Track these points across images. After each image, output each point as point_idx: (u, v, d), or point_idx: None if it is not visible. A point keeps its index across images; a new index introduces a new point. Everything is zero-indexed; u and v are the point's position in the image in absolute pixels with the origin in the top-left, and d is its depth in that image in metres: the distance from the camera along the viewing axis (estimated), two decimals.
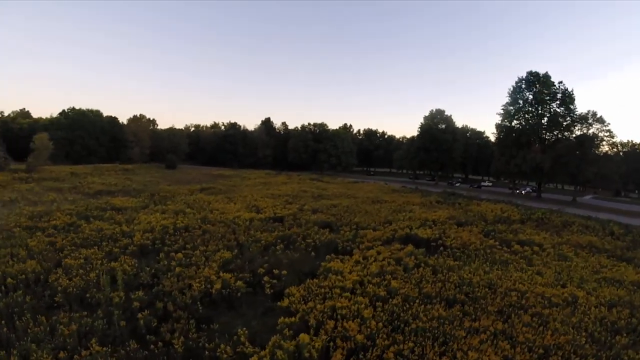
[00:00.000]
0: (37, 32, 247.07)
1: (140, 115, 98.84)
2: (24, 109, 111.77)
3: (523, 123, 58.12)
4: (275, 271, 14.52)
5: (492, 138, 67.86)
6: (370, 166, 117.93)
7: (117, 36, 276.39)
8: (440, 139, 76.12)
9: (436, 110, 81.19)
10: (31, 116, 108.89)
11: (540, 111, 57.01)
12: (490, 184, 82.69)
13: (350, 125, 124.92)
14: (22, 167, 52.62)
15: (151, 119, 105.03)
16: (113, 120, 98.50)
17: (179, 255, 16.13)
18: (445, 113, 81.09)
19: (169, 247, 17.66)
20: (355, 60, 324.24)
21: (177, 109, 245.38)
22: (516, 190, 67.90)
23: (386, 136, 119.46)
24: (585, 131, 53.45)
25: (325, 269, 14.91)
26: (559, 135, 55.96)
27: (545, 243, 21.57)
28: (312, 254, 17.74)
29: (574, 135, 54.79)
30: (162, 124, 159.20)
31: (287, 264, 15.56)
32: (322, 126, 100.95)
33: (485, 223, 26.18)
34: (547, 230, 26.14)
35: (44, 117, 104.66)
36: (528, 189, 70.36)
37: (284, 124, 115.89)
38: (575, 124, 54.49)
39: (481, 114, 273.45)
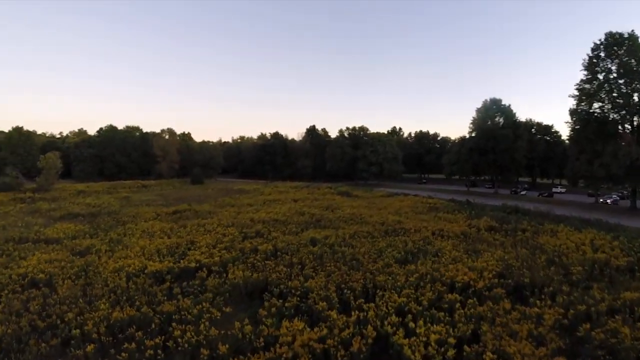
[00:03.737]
0: (75, 48, 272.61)
1: (168, 129, 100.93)
2: (82, 129, 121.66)
3: (608, 106, 43.34)
4: None
5: (566, 131, 54.69)
6: (423, 173, 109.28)
7: (162, 52, 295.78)
8: (497, 136, 62.64)
9: (490, 100, 66.79)
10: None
11: (631, 86, 41.79)
12: (563, 189, 67.54)
13: (400, 129, 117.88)
14: (33, 187, 52.82)
15: (185, 132, 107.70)
16: (144, 136, 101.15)
17: None
18: (503, 103, 66.41)
19: None
20: (404, 54, 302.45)
21: (225, 121, 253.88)
22: (600, 199, 52.03)
23: (439, 138, 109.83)
24: None
25: None
26: None
27: None
28: None
29: None
30: (209, 138, 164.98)
31: None
32: (361, 130, 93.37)
33: (570, 286, 14.13)
34: None
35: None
36: (615, 196, 53.53)
37: (324, 130, 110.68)
38: None
39: (549, 103, 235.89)
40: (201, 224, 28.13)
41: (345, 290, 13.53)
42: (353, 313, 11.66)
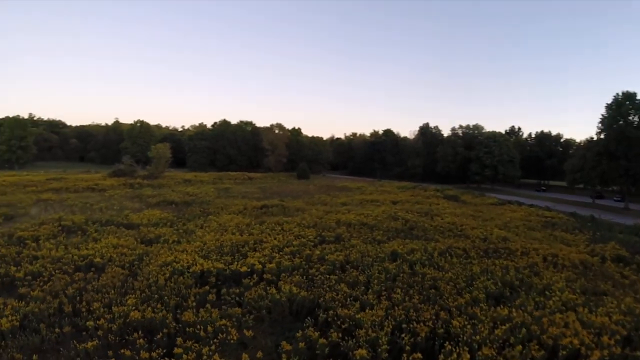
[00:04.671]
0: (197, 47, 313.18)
1: (277, 124, 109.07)
2: (202, 123, 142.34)
3: None
4: None
5: None
6: (542, 179, 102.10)
7: (282, 52, 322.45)
8: (631, 138, 54.88)
9: (623, 94, 56.94)
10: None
11: None
12: None
13: (519, 128, 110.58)
14: (145, 174, 62.27)
15: (296, 127, 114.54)
16: (255, 130, 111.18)
17: None
18: (639, 97, 56.06)
19: None
20: (525, 44, 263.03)
21: (338, 118, 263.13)
22: None
23: (562, 140, 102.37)
24: None
25: None
26: None
27: None
28: None
29: None
30: (321, 134, 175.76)
31: None
32: (475, 129, 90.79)
33: None
34: None
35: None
36: None
37: (436, 128, 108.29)
38: None
39: None
40: (281, 222, 27.53)
41: (403, 335, 10.26)
42: None
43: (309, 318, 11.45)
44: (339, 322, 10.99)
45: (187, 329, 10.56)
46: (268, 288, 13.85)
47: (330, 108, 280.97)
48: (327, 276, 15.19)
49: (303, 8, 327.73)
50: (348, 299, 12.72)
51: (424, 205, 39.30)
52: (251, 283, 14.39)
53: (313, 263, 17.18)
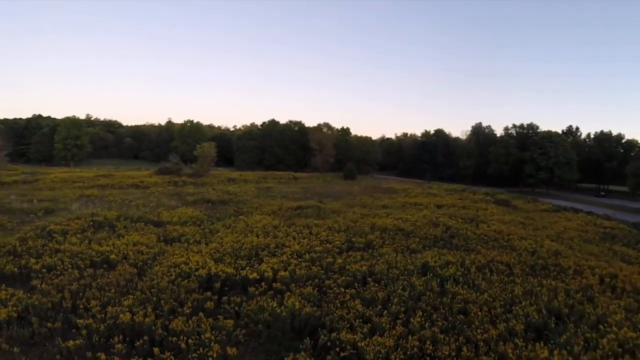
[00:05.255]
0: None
1: (325, 123, 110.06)
2: (254, 122, 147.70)
3: None
4: None
5: None
6: (602, 183, 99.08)
7: (332, 54, 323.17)
8: None
9: None
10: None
11: None
12: None
13: (577, 128, 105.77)
14: (190, 172, 64.91)
15: (344, 127, 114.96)
16: (303, 129, 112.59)
17: None
18: None
19: None
20: (585, 37, 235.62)
21: (389, 118, 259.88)
22: None
23: (623, 141, 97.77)
24: None
25: None
26: None
27: None
28: None
29: None
30: (371, 134, 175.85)
31: None
32: (530, 128, 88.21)
33: None
34: None
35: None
36: None
37: (488, 127, 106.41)
38: None
39: None
40: (311, 224, 26.85)
41: None
42: None
43: (307, 339, 10.47)
44: (338, 349, 9.95)
45: (171, 338, 10.20)
46: (275, 299, 13.15)
47: (381, 107, 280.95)
48: (343, 290, 14.13)
49: (351, 7, 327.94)
50: (359, 320, 11.63)
51: (471, 210, 37.57)
52: (257, 292, 13.75)
53: (332, 273, 16.28)
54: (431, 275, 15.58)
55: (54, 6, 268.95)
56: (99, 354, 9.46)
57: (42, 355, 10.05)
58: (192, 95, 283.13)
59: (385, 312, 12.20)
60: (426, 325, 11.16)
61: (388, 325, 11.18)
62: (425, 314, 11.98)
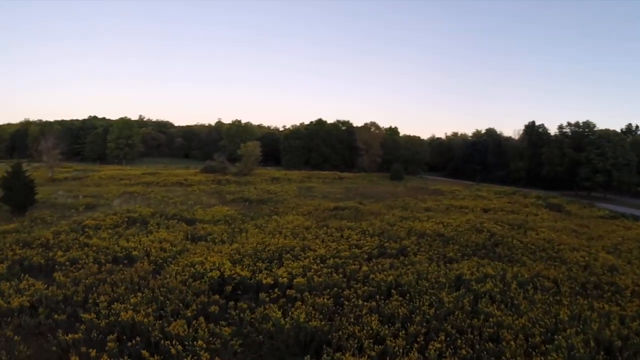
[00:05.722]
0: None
1: (372, 122, 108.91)
2: (303, 122, 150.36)
3: None
4: None
5: None
6: None
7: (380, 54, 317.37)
8: None
9: None
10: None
11: None
12: None
13: (637, 127, 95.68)
14: (235, 171, 66.84)
15: (392, 126, 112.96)
16: (350, 129, 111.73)
17: None
18: None
19: None
20: None
21: (439, 117, 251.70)
22: None
23: None
24: None
25: None
26: None
27: None
28: None
29: None
30: (420, 133, 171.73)
31: None
32: (586, 126, 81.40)
33: None
34: None
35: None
36: None
37: (542, 126, 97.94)
38: None
39: None
40: (344, 227, 26.13)
41: None
42: None
43: (307, 357, 9.67)
44: None
45: (164, 342, 10.06)
46: (286, 307, 12.58)
47: (431, 106, 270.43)
48: (362, 302, 13.18)
49: (399, 6, 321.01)
50: (370, 340, 10.64)
51: (520, 215, 35.71)
52: (268, 299, 13.21)
53: (354, 282, 15.40)
54: (464, 290, 14.20)
55: (112, 12, 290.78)
56: (91, 350, 9.61)
57: (41, 346, 10.47)
58: (243, 96, 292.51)
59: (403, 332, 11.14)
60: (447, 354, 9.96)
61: (402, 350, 10.12)
62: (448, 339, 10.78)
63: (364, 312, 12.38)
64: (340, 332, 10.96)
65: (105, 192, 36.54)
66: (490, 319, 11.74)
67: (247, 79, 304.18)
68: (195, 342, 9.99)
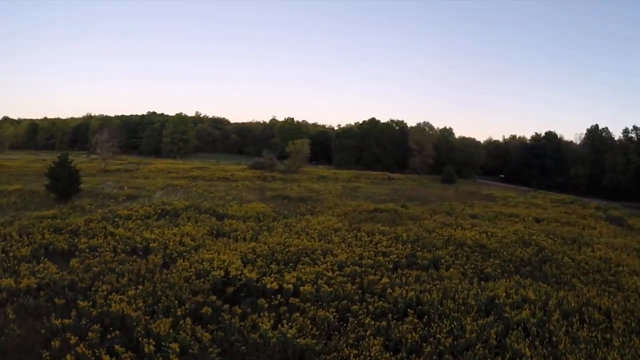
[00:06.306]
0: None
1: (425, 122, 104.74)
2: (357, 122, 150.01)
3: None
4: None
5: None
6: None
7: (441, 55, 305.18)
8: None
9: None
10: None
11: None
12: None
13: None
14: (282, 168, 67.31)
15: (447, 127, 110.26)
16: (403, 129, 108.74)
17: None
18: None
19: None
20: None
21: (496, 118, 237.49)
22: None
23: None
24: None
25: None
26: None
27: None
28: None
29: None
30: (476, 135, 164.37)
31: None
32: None
33: None
34: None
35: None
36: None
37: (605, 130, 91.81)
38: None
39: None
40: (377, 231, 24.72)
41: None
42: None
43: None
44: None
45: (143, 339, 9.82)
46: (283, 316, 11.58)
47: (489, 107, 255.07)
48: (370, 321, 11.72)
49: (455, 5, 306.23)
50: None
51: (575, 227, 32.62)
52: (267, 305, 12.28)
53: (369, 295, 13.93)
54: (494, 317, 12.23)
55: (181, 15, 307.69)
56: (73, 337, 9.58)
57: (34, 327, 10.66)
58: (299, 95, 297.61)
59: None
60: None
61: None
62: None
63: (368, 333, 11.00)
64: (333, 355, 9.72)
65: (150, 185, 38.09)
66: None
67: (304, 79, 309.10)
68: (173, 343, 9.43)
